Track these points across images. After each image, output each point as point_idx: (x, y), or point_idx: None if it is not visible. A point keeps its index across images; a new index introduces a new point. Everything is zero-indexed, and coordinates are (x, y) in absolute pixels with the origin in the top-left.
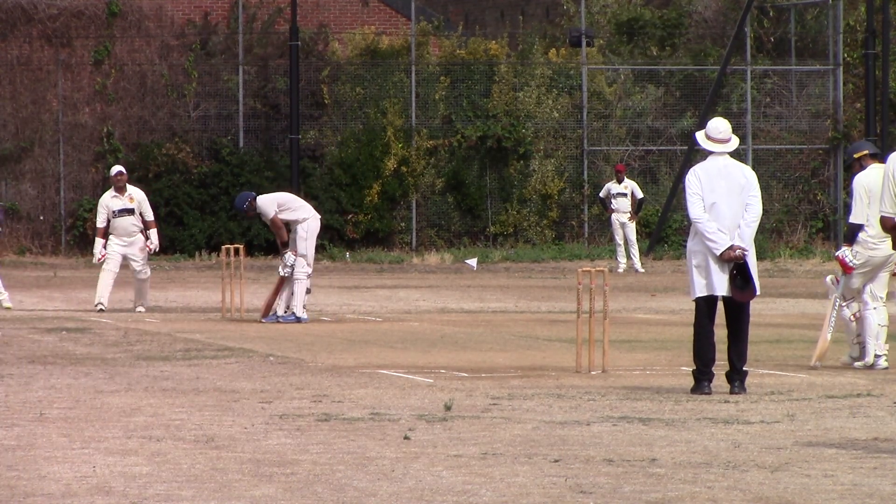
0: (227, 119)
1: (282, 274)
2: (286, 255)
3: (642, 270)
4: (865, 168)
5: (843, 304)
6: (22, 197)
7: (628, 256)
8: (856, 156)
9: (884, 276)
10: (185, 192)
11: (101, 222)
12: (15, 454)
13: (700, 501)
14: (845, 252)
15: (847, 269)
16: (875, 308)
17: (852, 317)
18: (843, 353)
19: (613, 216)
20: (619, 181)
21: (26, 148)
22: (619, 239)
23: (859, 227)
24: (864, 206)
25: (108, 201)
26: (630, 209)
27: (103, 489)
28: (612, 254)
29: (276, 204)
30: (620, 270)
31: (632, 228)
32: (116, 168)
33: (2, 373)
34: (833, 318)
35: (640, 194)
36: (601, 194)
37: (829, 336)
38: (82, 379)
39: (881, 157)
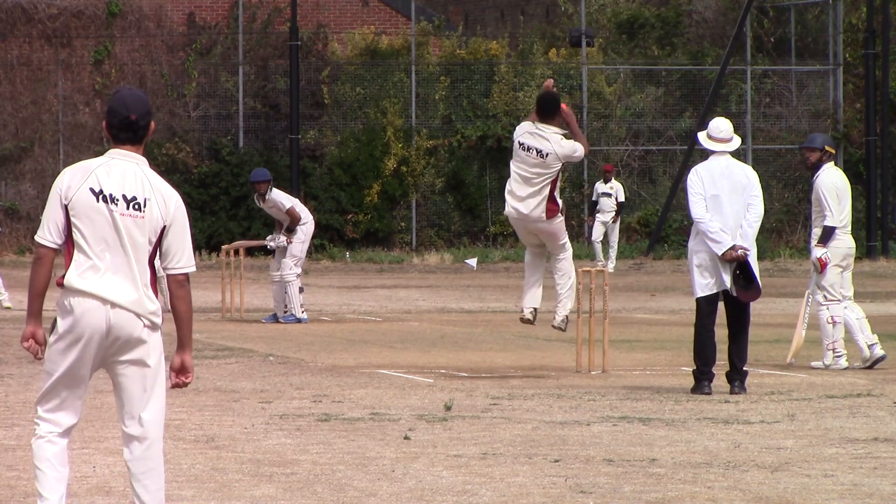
0: (227, 119)
1: (268, 244)
2: (280, 236)
3: (611, 271)
4: (822, 166)
5: (823, 304)
6: (22, 197)
7: (606, 256)
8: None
9: (848, 276)
10: (185, 192)
11: None
12: (15, 454)
13: (700, 501)
14: (826, 253)
15: (823, 267)
16: (846, 307)
17: (830, 320)
18: (817, 356)
19: (598, 216)
20: (606, 181)
21: (26, 148)
22: (597, 236)
23: (833, 230)
24: (837, 206)
25: None
26: (614, 209)
27: (103, 489)
28: (608, 254)
29: (290, 200)
30: (603, 267)
31: (614, 229)
32: None
33: (2, 373)
34: (807, 315)
35: (622, 198)
36: (593, 198)
37: (803, 332)
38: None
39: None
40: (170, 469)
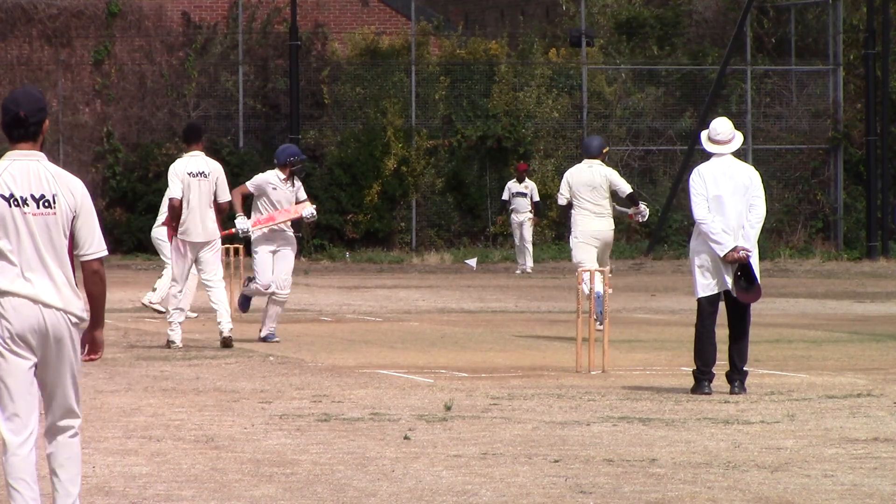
0: (227, 119)
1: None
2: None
3: (529, 271)
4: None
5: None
6: None
7: (524, 257)
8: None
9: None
10: None
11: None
12: None
13: (700, 501)
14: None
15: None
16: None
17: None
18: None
19: (513, 216)
20: (520, 180)
21: None
22: (517, 239)
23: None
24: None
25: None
26: (529, 209)
27: (103, 489)
28: (524, 254)
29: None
30: (518, 272)
31: (529, 228)
32: None
33: None
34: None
35: (536, 197)
36: (504, 196)
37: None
38: (82, 379)
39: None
40: (170, 469)
